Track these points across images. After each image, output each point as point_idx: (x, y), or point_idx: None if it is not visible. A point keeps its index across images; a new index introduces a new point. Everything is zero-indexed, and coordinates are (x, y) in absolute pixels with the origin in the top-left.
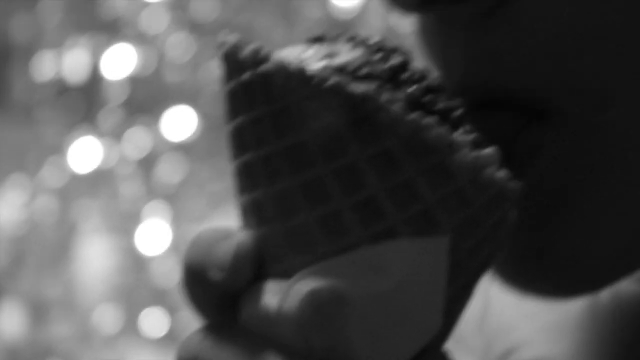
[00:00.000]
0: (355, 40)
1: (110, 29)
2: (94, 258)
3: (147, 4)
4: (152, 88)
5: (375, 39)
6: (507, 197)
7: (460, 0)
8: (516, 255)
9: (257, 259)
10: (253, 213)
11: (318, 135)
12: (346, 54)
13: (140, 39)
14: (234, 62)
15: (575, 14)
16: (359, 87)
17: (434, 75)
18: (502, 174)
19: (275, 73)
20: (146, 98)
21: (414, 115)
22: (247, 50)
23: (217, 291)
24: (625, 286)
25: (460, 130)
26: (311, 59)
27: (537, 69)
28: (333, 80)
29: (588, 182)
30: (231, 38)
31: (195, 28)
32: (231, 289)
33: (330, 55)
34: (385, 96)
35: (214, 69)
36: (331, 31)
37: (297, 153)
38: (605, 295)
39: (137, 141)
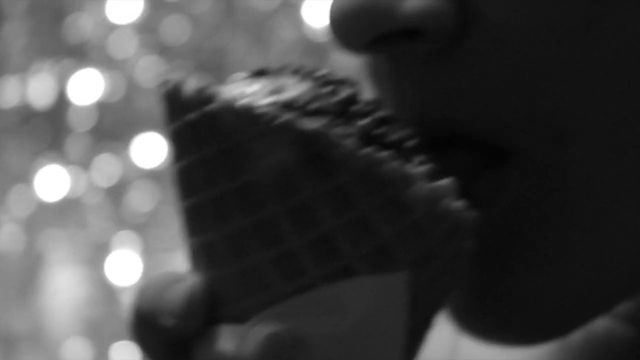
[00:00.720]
0: (301, 73)
1: (77, 53)
2: (62, 290)
3: (115, 27)
4: (120, 114)
5: (322, 71)
6: (464, 228)
7: (414, 39)
8: (473, 301)
9: (210, 302)
10: (204, 255)
11: (269, 174)
12: (293, 89)
13: (108, 63)
14: (177, 101)
15: (531, 51)
16: (310, 124)
17: (385, 105)
18: (458, 204)
19: (222, 112)
20: (115, 124)
21: (367, 150)
22: (191, 90)
23: (169, 337)
24: (598, 322)
25: (415, 162)
26: (257, 95)
27: (494, 108)
28: (283, 117)
29: (550, 223)
30: (173, 76)
31: (165, 51)
32: (183, 334)
33: (277, 91)
34: (336, 131)
35: None
36: (274, 64)
37: (249, 193)
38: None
39: (105, 169)
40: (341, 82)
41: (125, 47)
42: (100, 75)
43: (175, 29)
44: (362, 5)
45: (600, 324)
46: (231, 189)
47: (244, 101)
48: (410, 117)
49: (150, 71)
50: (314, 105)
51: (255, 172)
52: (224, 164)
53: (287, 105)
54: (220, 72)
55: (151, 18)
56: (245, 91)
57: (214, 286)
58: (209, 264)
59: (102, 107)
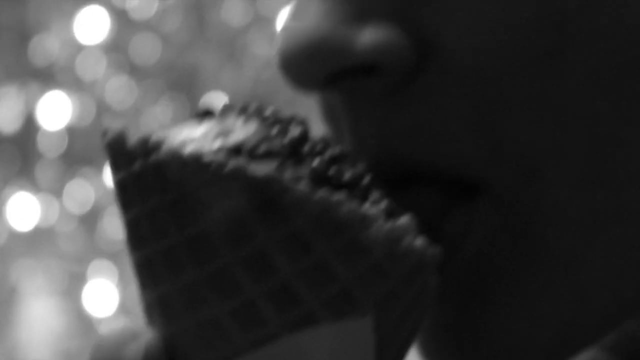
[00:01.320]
0: (247, 113)
1: (44, 76)
2: (37, 321)
3: (83, 48)
4: (91, 137)
5: (268, 110)
6: (427, 264)
7: (370, 74)
8: (447, 338)
9: (168, 358)
10: (159, 309)
11: (221, 224)
12: (240, 131)
13: (76, 85)
14: (120, 151)
15: (493, 84)
16: (260, 169)
17: (335, 142)
18: (419, 241)
19: (168, 162)
20: (86, 148)
21: (321, 193)
22: (134, 140)
23: None
24: (581, 353)
25: (371, 199)
26: (203, 139)
27: (457, 143)
28: (231, 164)
29: (523, 259)
30: (114, 126)
31: (136, 71)
32: None
33: (223, 134)
34: (288, 175)
35: (160, 115)
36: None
37: (201, 244)
38: None
39: (78, 195)
40: (289, 121)
41: (94, 68)
42: (68, 98)
43: (145, 47)
44: (315, 41)
45: (584, 356)
46: (182, 240)
47: (190, 148)
48: (370, 156)
49: (120, 92)
50: (263, 148)
51: (206, 222)
52: (173, 214)
53: (235, 150)
54: (193, 90)
55: (120, 37)
56: (191, 136)
57: (172, 341)
58: (165, 318)
59: (72, 131)
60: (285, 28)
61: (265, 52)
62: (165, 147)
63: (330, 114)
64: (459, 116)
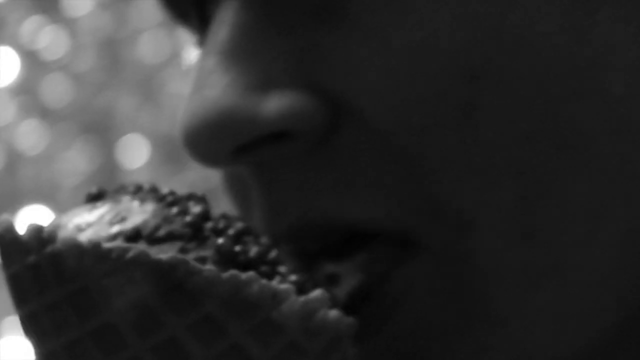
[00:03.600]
0: (142, 193)
1: None
2: None
3: None
4: (2, 185)
5: (164, 190)
6: (344, 336)
7: (280, 142)
8: None
9: None
10: None
11: (127, 312)
12: (138, 214)
13: None
14: (12, 243)
15: (409, 140)
16: (162, 253)
17: (236, 218)
18: (333, 314)
19: (65, 252)
20: None
21: (230, 273)
22: (27, 231)
23: None
24: None
25: (280, 274)
26: (99, 225)
27: (379, 200)
28: (133, 251)
29: (458, 321)
30: (4, 218)
31: (47, 114)
32: None
33: (119, 218)
34: (192, 257)
35: (74, 160)
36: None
37: (107, 335)
38: None
39: None
40: (188, 199)
41: (3, 112)
42: None
43: (57, 89)
44: (219, 115)
45: None
46: (86, 334)
47: (86, 235)
48: (289, 225)
49: (32, 137)
50: (163, 231)
51: (111, 312)
52: (74, 307)
53: (135, 235)
54: (108, 133)
55: (30, 78)
56: (85, 221)
57: None
58: None
59: None
60: (187, 102)
61: (181, 90)
62: (61, 237)
63: (236, 187)
64: (378, 174)
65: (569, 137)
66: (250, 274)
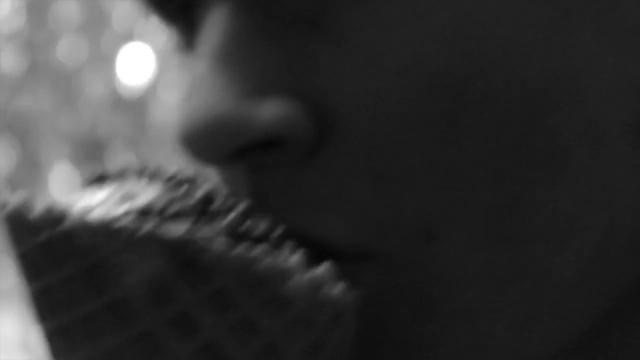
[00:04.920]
0: (146, 175)
1: None
2: None
3: None
4: None
5: (169, 171)
6: (347, 311)
7: (272, 149)
8: None
9: None
10: None
11: (140, 287)
12: (146, 194)
13: None
14: (23, 223)
15: (391, 153)
16: (174, 230)
17: (240, 198)
18: (338, 289)
19: (77, 230)
20: None
21: (240, 249)
22: (38, 211)
23: None
24: None
25: (286, 251)
26: (107, 204)
27: (358, 215)
28: (144, 228)
29: (408, 318)
30: (14, 198)
31: None
32: None
33: (128, 197)
34: (203, 234)
35: None
36: (112, 168)
37: (120, 308)
38: None
39: None
40: (193, 180)
41: None
42: None
43: None
44: (217, 118)
45: None
46: (101, 306)
47: (97, 214)
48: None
49: None
50: (173, 209)
51: (124, 287)
52: (89, 281)
53: (145, 212)
54: (26, 136)
55: None
56: (94, 201)
57: None
58: None
59: None
60: (183, 104)
61: (102, 93)
62: (72, 216)
63: (231, 184)
64: (359, 187)
65: (546, 148)
66: (260, 250)
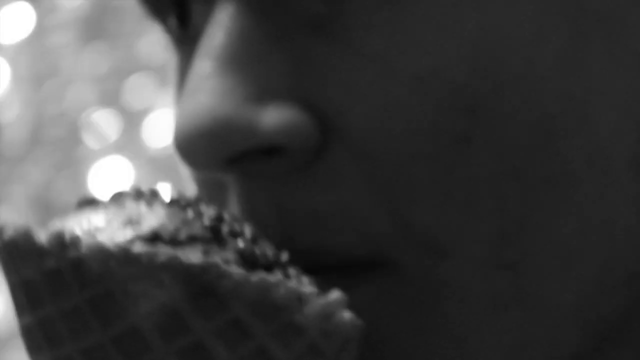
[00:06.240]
0: (145, 197)
1: None
2: None
3: None
4: None
5: (167, 193)
6: (354, 338)
7: (271, 156)
8: None
9: None
10: None
11: (152, 316)
12: (150, 218)
13: None
14: (26, 248)
15: (400, 166)
16: (192, 257)
17: (242, 219)
18: (347, 316)
19: (90, 257)
20: None
21: (258, 276)
22: (48, 236)
23: None
24: None
25: (293, 275)
26: (110, 228)
27: (363, 225)
28: (163, 254)
29: (411, 332)
30: (10, 223)
31: None
32: None
33: (132, 221)
34: (217, 259)
35: None
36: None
37: (129, 340)
38: None
39: None
40: (195, 203)
41: None
42: None
43: None
44: (217, 122)
45: None
46: (107, 338)
47: (100, 239)
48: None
49: None
50: (183, 234)
51: (136, 316)
52: (96, 311)
53: (153, 238)
54: None
55: None
56: (94, 225)
57: None
58: None
59: None
60: (182, 106)
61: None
62: (85, 241)
63: (213, 190)
64: (364, 198)
65: (554, 173)
66: (278, 276)
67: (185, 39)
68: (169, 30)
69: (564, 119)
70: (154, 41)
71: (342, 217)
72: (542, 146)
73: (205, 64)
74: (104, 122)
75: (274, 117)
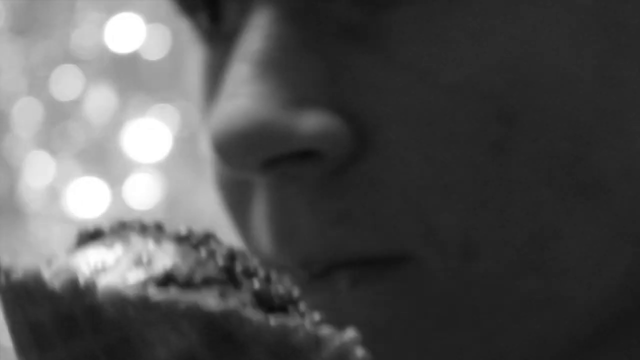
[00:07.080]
0: (150, 232)
1: None
2: None
3: None
4: None
5: (179, 227)
6: None
7: (307, 160)
8: None
9: None
10: None
11: None
12: (162, 257)
13: None
14: (37, 291)
15: (431, 168)
16: (209, 301)
17: (248, 254)
18: (360, 354)
19: (107, 303)
20: None
21: (277, 321)
22: (61, 281)
23: None
24: None
25: (303, 312)
26: (119, 269)
27: (396, 226)
28: (184, 302)
29: (431, 328)
30: (18, 264)
31: None
32: None
33: (142, 262)
34: (236, 302)
35: None
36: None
37: None
38: None
39: None
40: (206, 240)
41: None
42: None
43: None
44: (256, 126)
45: None
46: None
47: (108, 280)
48: (297, 244)
49: None
50: (199, 276)
51: None
52: (110, 357)
53: (166, 280)
54: None
55: None
56: (102, 265)
57: None
58: None
59: None
60: (221, 108)
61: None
62: (101, 287)
63: (237, 189)
64: (396, 203)
65: (587, 181)
66: (296, 320)
67: (217, 34)
68: (197, 25)
69: (598, 130)
70: (85, 33)
71: (372, 219)
72: (576, 156)
73: (243, 68)
74: (32, 112)
75: (311, 122)
